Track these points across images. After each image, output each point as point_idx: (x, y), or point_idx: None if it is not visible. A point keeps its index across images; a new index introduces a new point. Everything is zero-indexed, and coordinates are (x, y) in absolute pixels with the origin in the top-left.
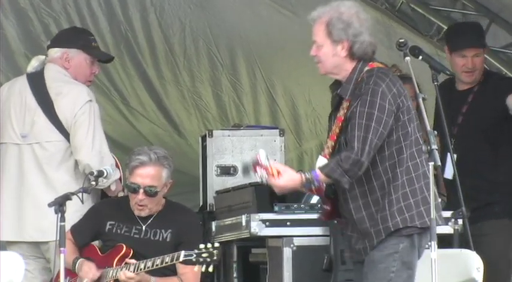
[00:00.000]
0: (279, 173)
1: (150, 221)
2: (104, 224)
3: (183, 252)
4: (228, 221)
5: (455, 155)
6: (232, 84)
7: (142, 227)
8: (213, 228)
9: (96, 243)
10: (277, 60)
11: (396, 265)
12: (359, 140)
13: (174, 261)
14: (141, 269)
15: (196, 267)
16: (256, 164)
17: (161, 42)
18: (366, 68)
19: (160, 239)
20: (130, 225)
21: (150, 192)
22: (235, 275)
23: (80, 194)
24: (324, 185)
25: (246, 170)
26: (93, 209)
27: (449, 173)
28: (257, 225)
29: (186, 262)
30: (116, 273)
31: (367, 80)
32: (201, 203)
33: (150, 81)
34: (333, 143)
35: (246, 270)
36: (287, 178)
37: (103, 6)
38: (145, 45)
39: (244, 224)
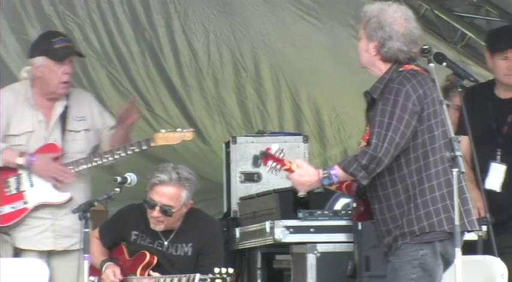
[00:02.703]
0: (297, 166)
1: (171, 236)
2: (129, 233)
3: (198, 276)
4: (252, 227)
5: (504, 166)
6: (257, 91)
7: (163, 242)
8: (237, 235)
9: (125, 243)
10: (301, 66)
11: (416, 272)
12: (378, 137)
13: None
14: None
15: None
16: (267, 156)
17: (185, 49)
18: (399, 70)
19: (182, 253)
20: (153, 238)
21: (166, 212)
22: (259, 281)
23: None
24: (355, 186)
25: (256, 161)
26: (121, 214)
27: (495, 183)
28: (281, 231)
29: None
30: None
31: (394, 80)
32: (225, 210)
33: (174, 88)
34: (366, 143)
35: (270, 276)
36: (302, 172)
37: (127, 13)
38: (170, 52)
39: (268, 230)
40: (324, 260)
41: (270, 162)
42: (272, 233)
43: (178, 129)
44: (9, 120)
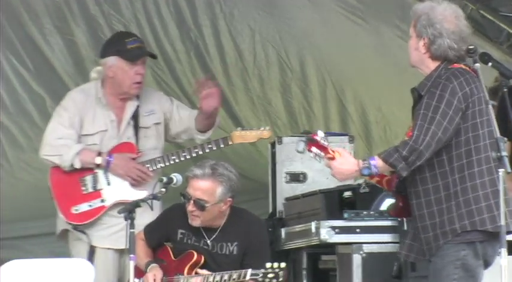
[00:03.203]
0: (339, 155)
1: (215, 235)
2: (176, 232)
3: (249, 271)
4: (298, 227)
5: None
6: (302, 91)
7: (208, 240)
8: (283, 235)
9: (169, 244)
10: (347, 66)
11: (458, 272)
12: (420, 130)
13: (241, 279)
14: None
15: None
16: (312, 142)
17: (231, 49)
18: (448, 67)
19: (227, 252)
20: (199, 237)
21: (199, 205)
22: (305, 281)
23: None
24: (395, 181)
25: (300, 147)
26: (167, 213)
27: None
28: (327, 232)
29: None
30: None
31: (442, 76)
32: (270, 210)
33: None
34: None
35: (315, 276)
36: (343, 160)
37: (173, 13)
38: (215, 52)
39: (313, 230)
40: (370, 260)
41: (314, 149)
42: (318, 233)
43: (256, 128)
44: (82, 120)
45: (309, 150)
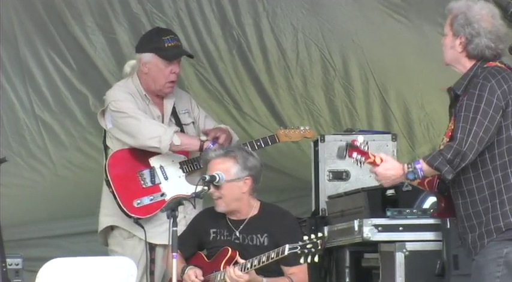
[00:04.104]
0: (381, 160)
1: (242, 226)
2: (208, 233)
3: (287, 246)
4: (341, 226)
5: None
6: (345, 89)
7: (236, 232)
8: (326, 233)
9: (203, 252)
10: (390, 64)
11: (501, 270)
12: (463, 132)
13: (280, 256)
14: (248, 268)
15: (303, 265)
16: (352, 148)
17: (273, 47)
18: (484, 66)
19: (258, 243)
20: (230, 231)
21: (212, 182)
22: (347, 280)
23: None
24: (437, 181)
25: (341, 153)
26: (196, 219)
27: None
28: (369, 230)
29: (290, 257)
30: (224, 276)
31: (479, 76)
32: (313, 208)
33: (262, 86)
34: (448, 139)
35: (358, 275)
36: (388, 165)
37: (215, 11)
38: (258, 50)
39: (356, 229)
40: (413, 258)
41: (354, 154)
42: (360, 231)
43: (301, 127)
44: None
45: (350, 156)
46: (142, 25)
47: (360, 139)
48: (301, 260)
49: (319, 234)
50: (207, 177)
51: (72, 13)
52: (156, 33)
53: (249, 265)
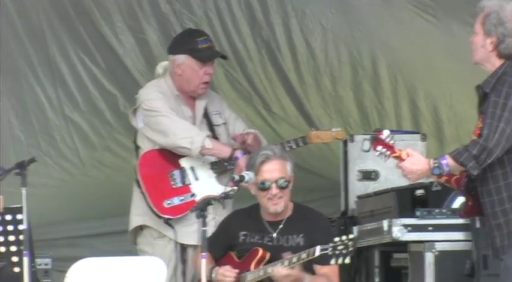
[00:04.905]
0: (407, 155)
1: (280, 227)
2: (237, 235)
3: (318, 247)
4: (370, 226)
5: None
6: (374, 89)
7: (273, 234)
8: (355, 233)
9: (234, 252)
10: (418, 64)
11: None
12: (490, 128)
13: (310, 257)
14: (266, 272)
15: (334, 266)
16: (377, 141)
17: (302, 47)
18: None
19: (293, 244)
20: (262, 233)
21: (283, 185)
22: (377, 279)
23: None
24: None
25: (366, 146)
26: (226, 221)
27: None
28: (399, 230)
29: (322, 257)
30: (254, 276)
31: (508, 73)
32: (342, 208)
33: (291, 86)
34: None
35: (387, 274)
36: (414, 160)
37: (244, 11)
38: (287, 50)
39: (386, 229)
40: (442, 258)
41: (379, 147)
42: (390, 231)
43: (333, 129)
44: None
45: (375, 149)
46: (171, 25)
47: (385, 133)
48: (332, 261)
49: (350, 236)
50: (236, 177)
51: (101, 13)
52: (190, 35)
53: (279, 265)
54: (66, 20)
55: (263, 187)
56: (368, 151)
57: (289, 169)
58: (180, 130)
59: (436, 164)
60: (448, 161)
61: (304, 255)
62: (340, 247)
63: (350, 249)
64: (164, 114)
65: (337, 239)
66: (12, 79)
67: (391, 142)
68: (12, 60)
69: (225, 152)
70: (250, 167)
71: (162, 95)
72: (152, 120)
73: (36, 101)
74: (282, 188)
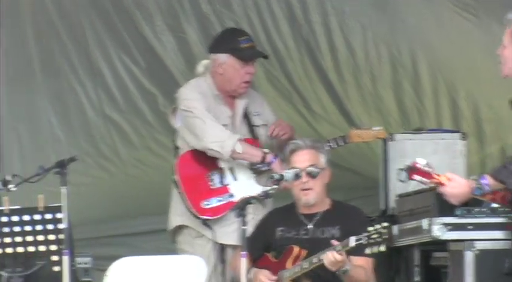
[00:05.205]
0: (447, 179)
1: (316, 219)
2: (274, 232)
3: (353, 238)
4: (410, 224)
5: None
6: (414, 88)
7: (309, 226)
8: (395, 232)
9: (271, 253)
10: (459, 63)
11: None
12: None
13: (346, 248)
14: (312, 263)
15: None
16: (412, 170)
17: (342, 45)
18: None
19: (329, 236)
20: (298, 227)
21: (313, 172)
22: (416, 279)
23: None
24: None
25: (401, 176)
26: (263, 220)
27: None
28: (439, 229)
29: (357, 247)
30: (291, 273)
31: None
32: (382, 207)
33: (331, 85)
34: None
35: (427, 273)
36: (454, 184)
37: (284, 9)
38: (327, 49)
39: (425, 227)
40: (482, 257)
41: (416, 177)
42: (430, 230)
43: (374, 128)
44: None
45: (411, 179)
46: (211, 24)
47: (421, 161)
48: (368, 250)
49: (384, 224)
50: (276, 176)
51: (142, 13)
52: (231, 34)
53: (315, 260)
54: (107, 20)
55: (293, 176)
56: (404, 182)
57: (322, 160)
58: (212, 133)
59: (477, 185)
60: (488, 181)
61: (338, 247)
62: (374, 236)
63: (385, 236)
64: (198, 116)
65: (370, 228)
66: (52, 79)
67: (428, 169)
68: (52, 60)
69: (256, 156)
70: (283, 158)
71: (201, 95)
72: (187, 121)
73: (76, 100)
74: (312, 176)
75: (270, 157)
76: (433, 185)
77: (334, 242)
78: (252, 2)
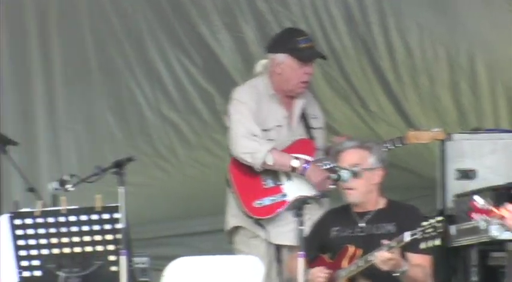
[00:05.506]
0: (507, 211)
1: (368, 217)
2: (329, 232)
3: (407, 233)
4: (467, 225)
5: None
6: (471, 88)
7: (363, 224)
8: (453, 232)
9: (326, 255)
10: None
11: None
12: None
13: (401, 244)
14: (367, 261)
15: (428, 256)
16: (472, 210)
17: (399, 45)
18: None
19: (384, 231)
20: (352, 226)
21: (354, 173)
22: (474, 278)
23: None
24: None
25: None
26: (318, 220)
27: None
28: (496, 229)
29: (413, 243)
30: (347, 271)
31: None
32: (439, 207)
33: (388, 85)
34: None
35: (485, 273)
36: None
37: (341, 9)
38: (384, 49)
39: (483, 227)
40: None
41: (476, 215)
42: (487, 230)
43: (432, 129)
44: (259, 115)
45: (472, 219)
46: (268, 23)
47: (478, 200)
48: (423, 245)
49: (438, 218)
50: (333, 176)
51: (199, 12)
52: (290, 34)
53: (371, 258)
54: (164, 19)
55: (338, 178)
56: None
57: (370, 160)
58: (242, 143)
59: None
60: None
61: (393, 243)
62: (429, 230)
63: (439, 230)
64: (235, 122)
65: (425, 223)
66: (110, 79)
67: (487, 207)
68: (110, 60)
69: (286, 166)
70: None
71: (254, 98)
72: (230, 123)
73: (133, 100)
74: (353, 176)
75: (300, 165)
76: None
77: (385, 242)
78: (309, 1)
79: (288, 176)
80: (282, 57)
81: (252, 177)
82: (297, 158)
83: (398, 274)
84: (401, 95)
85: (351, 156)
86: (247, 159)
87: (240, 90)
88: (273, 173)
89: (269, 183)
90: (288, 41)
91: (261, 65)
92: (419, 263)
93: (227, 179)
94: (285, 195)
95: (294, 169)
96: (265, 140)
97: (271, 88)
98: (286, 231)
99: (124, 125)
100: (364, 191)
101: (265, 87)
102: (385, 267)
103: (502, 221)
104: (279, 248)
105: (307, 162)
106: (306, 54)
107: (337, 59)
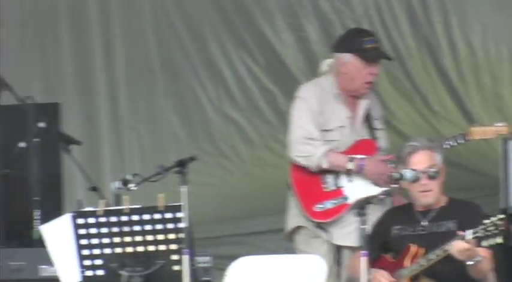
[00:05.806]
0: None
1: (432, 215)
2: (390, 231)
3: (469, 231)
4: None
5: None
6: None
7: (425, 222)
8: None
9: (389, 254)
10: None
11: None
12: None
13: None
14: (429, 260)
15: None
16: None
17: (463, 45)
18: None
19: (445, 229)
20: (414, 224)
21: (432, 174)
22: None
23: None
24: None
25: None
26: (379, 219)
27: None
28: None
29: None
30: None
31: None
32: (502, 206)
33: (451, 84)
34: None
35: None
36: None
37: (404, 9)
38: (447, 48)
39: None
40: None
41: None
42: None
43: (496, 124)
44: (321, 115)
45: None
46: (331, 23)
47: None
48: (485, 243)
49: (500, 216)
50: (396, 175)
51: (262, 12)
52: (356, 34)
53: (433, 256)
54: (227, 19)
55: (413, 179)
56: None
57: (439, 160)
58: (298, 146)
59: None
60: None
61: (470, 234)
62: (491, 228)
63: (501, 228)
64: (297, 122)
65: (486, 221)
66: (172, 79)
67: None
68: (173, 60)
69: (343, 168)
70: (398, 160)
71: (318, 96)
72: (290, 123)
73: (196, 100)
74: (431, 177)
75: (355, 166)
76: None
77: (460, 232)
78: (372, 1)
79: (349, 176)
80: (347, 57)
81: (313, 180)
82: (352, 159)
83: (472, 263)
84: (465, 94)
85: (424, 158)
86: (302, 162)
87: (304, 88)
88: (335, 175)
89: (330, 186)
90: (354, 41)
91: (326, 64)
92: (485, 255)
93: (287, 182)
94: (346, 198)
95: (349, 171)
96: (321, 143)
97: (336, 87)
98: (348, 233)
99: (187, 125)
100: (438, 191)
101: (330, 86)
102: (461, 257)
103: None
104: (339, 249)
105: (362, 160)
106: (372, 55)
107: (400, 59)
